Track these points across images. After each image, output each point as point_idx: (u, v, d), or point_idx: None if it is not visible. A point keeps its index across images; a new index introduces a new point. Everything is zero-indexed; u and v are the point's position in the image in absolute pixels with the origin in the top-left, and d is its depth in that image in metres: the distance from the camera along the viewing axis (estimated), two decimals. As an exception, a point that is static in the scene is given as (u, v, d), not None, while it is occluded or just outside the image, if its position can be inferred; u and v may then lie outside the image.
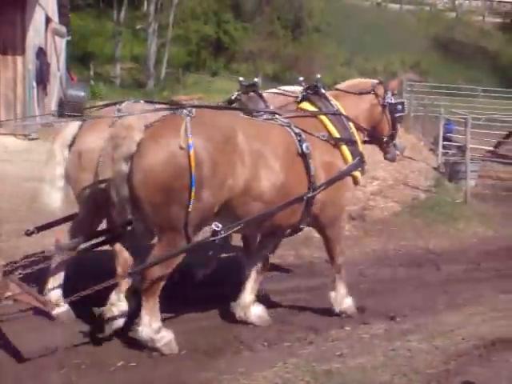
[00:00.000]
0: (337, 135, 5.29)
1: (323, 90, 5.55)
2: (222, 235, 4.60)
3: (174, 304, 5.09)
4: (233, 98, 5.73)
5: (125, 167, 4.35)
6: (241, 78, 5.87)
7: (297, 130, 5.01)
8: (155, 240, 4.68)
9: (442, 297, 6.49)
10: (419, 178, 12.65)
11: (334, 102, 5.51)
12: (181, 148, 4.26)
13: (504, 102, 26.86)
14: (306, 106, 5.53)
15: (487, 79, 33.38)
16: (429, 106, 20.04)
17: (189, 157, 4.25)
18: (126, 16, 30.46)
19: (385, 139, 5.92)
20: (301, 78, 5.98)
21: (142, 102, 5.43)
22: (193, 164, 4.25)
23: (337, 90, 5.86)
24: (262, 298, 5.56)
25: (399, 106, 5.89)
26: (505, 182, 14.54)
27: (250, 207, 4.64)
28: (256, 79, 5.73)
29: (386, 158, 6.21)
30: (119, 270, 4.73)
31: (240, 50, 33.08)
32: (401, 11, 41.60)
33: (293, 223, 5.14)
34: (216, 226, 4.54)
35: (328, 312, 5.56)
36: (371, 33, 35.54)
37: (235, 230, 4.71)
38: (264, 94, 5.76)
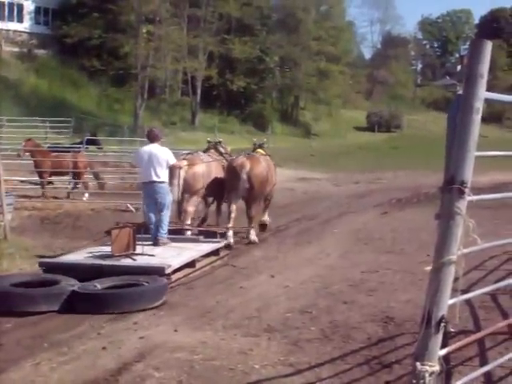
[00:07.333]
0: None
1: (265, 146, 13.86)
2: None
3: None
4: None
5: (245, 175, 11.32)
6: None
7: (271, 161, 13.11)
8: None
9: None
10: None
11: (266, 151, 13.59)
12: (264, 166, 11.97)
13: (27, 130, 26.42)
14: (260, 151, 12.95)
15: (10, 109, 32.55)
16: None
17: (267, 169, 12.07)
18: None
19: None
20: (254, 139, 14.67)
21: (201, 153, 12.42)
22: (268, 171, 12.11)
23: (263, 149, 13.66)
24: None
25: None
26: (42, 212, 14.38)
27: (267, 188, 12.19)
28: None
29: None
30: (233, 215, 11.41)
31: None
32: None
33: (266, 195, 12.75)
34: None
35: None
36: None
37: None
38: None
